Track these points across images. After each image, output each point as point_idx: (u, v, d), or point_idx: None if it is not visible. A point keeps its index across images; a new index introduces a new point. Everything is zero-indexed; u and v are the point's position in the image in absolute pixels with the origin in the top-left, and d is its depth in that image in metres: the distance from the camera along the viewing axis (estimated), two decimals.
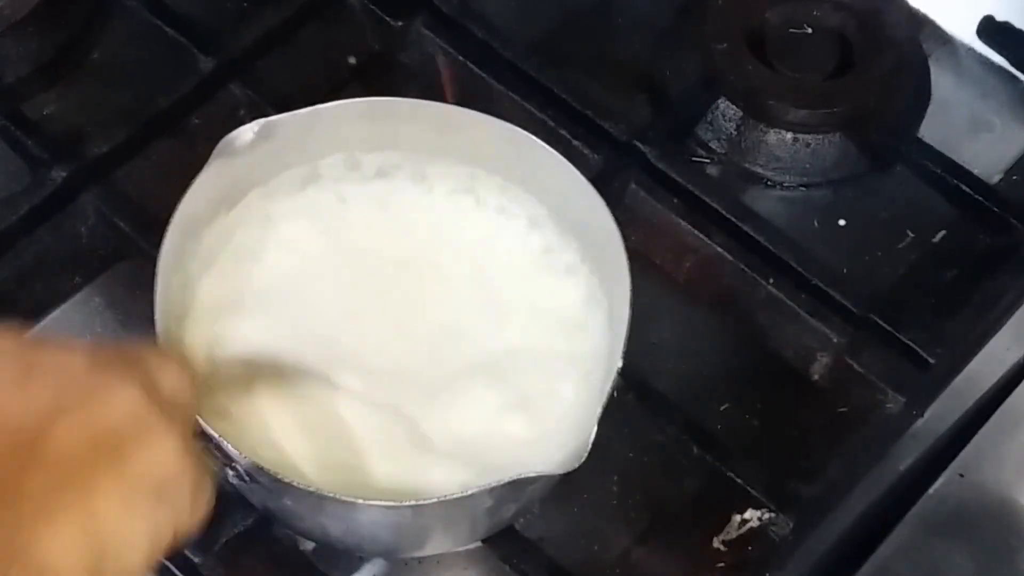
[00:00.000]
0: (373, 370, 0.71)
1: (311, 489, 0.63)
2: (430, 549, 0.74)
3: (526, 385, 0.71)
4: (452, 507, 0.64)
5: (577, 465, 0.63)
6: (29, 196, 0.81)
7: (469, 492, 0.63)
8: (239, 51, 0.88)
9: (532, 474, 0.63)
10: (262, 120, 0.72)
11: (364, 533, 0.71)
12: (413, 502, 0.64)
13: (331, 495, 0.63)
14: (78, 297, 0.83)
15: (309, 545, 0.75)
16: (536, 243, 0.76)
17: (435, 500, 0.63)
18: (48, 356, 0.52)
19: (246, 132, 0.71)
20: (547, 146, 0.73)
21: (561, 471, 0.63)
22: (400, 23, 0.92)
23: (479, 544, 0.74)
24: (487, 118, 0.74)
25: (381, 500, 0.65)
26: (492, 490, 0.63)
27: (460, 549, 0.75)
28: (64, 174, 0.82)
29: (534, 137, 0.73)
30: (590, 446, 0.63)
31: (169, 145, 0.86)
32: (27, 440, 0.49)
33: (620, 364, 0.66)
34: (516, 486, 0.63)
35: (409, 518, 0.67)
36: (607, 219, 0.71)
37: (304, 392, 0.70)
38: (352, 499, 0.64)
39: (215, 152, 0.70)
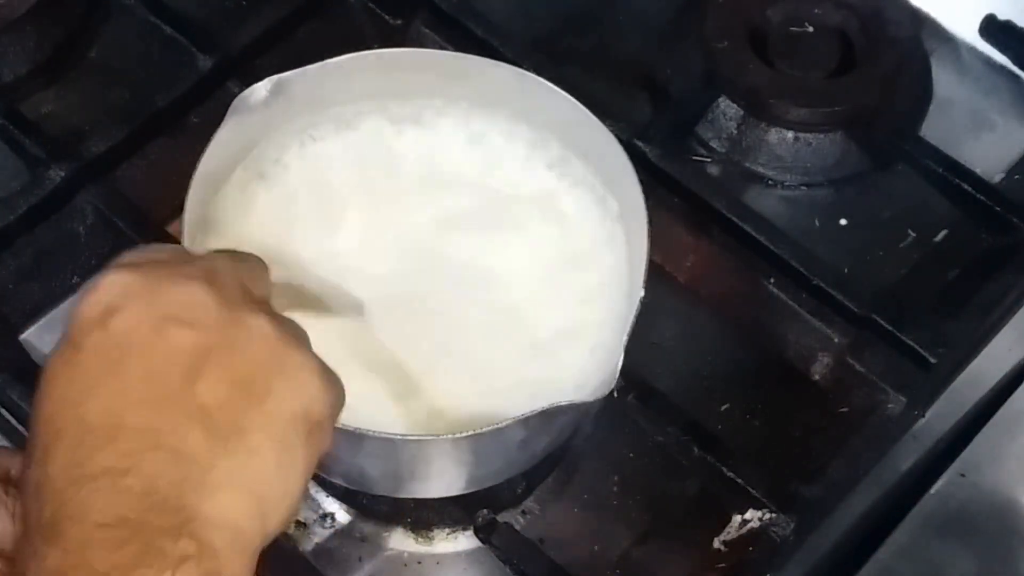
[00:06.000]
0: (396, 305, 0.72)
1: (351, 428, 0.62)
2: (465, 486, 0.73)
3: (554, 320, 0.72)
4: (487, 440, 0.64)
5: (607, 393, 0.63)
6: (27, 195, 0.81)
7: (503, 423, 0.63)
8: (237, 50, 0.88)
9: (564, 403, 0.63)
10: (275, 77, 0.72)
11: (403, 471, 0.71)
12: (451, 435, 0.64)
13: (371, 432, 0.63)
14: (77, 297, 0.82)
15: (309, 545, 0.75)
16: (557, 180, 0.76)
17: (471, 433, 0.63)
18: (176, 295, 0.52)
19: (259, 89, 0.71)
20: (552, 85, 0.73)
21: (591, 399, 0.64)
22: (399, 21, 0.92)
23: (479, 544, 0.75)
24: (493, 63, 0.75)
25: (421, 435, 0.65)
26: (526, 420, 0.63)
27: (463, 549, 0.76)
28: (62, 173, 0.82)
29: (539, 78, 0.74)
30: (618, 374, 0.63)
31: (167, 144, 0.86)
32: (177, 391, 0.49)
33: (643, 293, 0.67)
34: (548, 416, 0.63)
35: (448, 451, 0.67)
36: (620, 155, 0.71)
37: (333, 330, 0.69)
38: (391, 435, 0.64)
39: (229, 110, 0.71)
